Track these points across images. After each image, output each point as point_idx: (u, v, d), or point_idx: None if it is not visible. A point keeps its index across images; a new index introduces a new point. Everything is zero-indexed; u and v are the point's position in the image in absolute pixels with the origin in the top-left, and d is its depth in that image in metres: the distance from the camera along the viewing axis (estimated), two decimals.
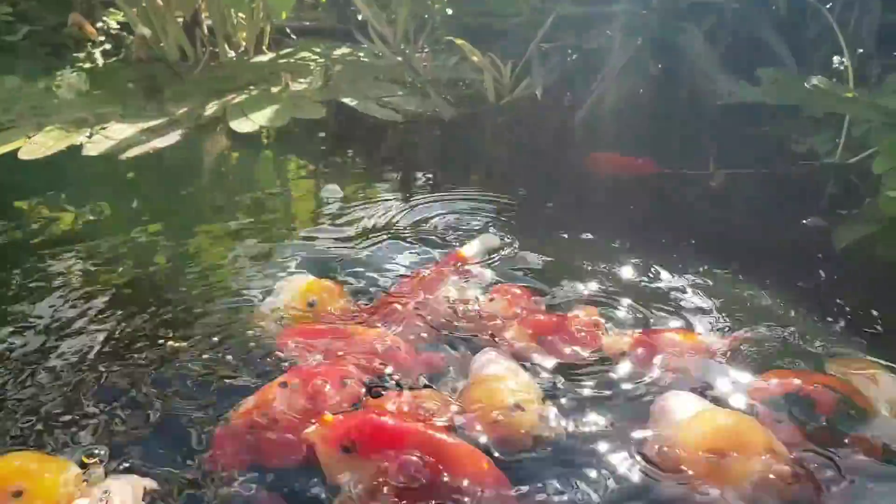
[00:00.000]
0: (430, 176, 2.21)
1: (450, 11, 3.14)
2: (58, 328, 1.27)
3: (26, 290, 1.43)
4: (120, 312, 1.32)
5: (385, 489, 0.83)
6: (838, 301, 1.41)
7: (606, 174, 2.11)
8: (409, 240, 1.64)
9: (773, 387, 1.05)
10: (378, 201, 1.90)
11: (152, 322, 1.29)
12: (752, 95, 2.16)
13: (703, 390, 1.07)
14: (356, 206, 1.87)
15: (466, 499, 0.83)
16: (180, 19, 3.29)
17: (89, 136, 2.35)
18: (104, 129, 2.42)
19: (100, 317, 1.31)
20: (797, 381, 1.05)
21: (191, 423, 1.01)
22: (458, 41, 2.68)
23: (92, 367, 1.15)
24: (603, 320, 1.25)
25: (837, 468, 0.92)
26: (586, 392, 1.08)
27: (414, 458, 0.84)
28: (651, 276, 1.48)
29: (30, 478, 0.86)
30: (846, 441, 0.97)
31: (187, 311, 1.33)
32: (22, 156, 2.18)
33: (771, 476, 0.84)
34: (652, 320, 1.29)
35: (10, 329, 1.28)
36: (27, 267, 1.52)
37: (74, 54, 3.17)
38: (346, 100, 2.77)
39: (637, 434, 0.97)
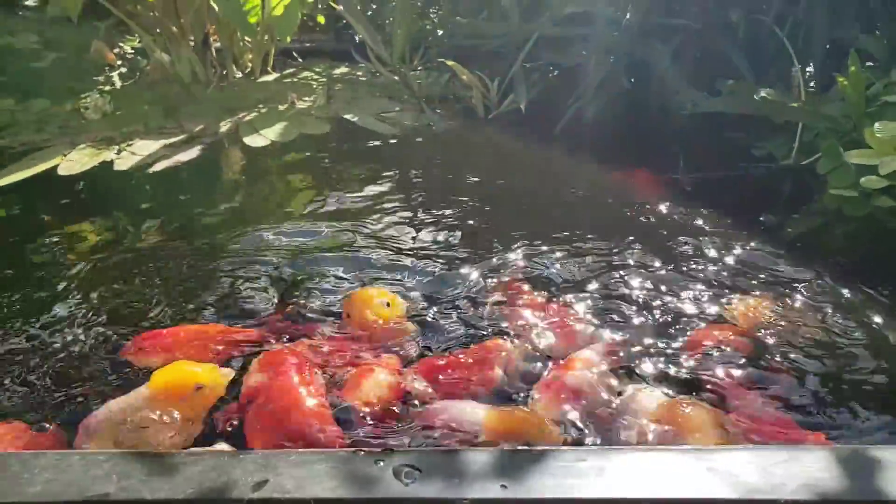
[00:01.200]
0: (423, 185, 2.44)
1: (441, 33, 3.39)
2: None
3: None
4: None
5: None
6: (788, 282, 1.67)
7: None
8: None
9: None
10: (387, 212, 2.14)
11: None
12: (712, 106, 2.41)
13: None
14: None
15: None
16: (192, 43, 3.53)
17: (118, 153, 2.59)
18: (130, 145, 2.66)
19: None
20: None
21: None
22: (449, 62, 2.93)
23: None
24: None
25: None
26: None
27: None
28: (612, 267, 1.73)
29: (202, 376, 1.14)
30: None
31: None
32: (61, 172, 2.41)
33: None
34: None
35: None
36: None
37: (95, 78, 3.41)
38: (347, 116, 3.02)
39: None
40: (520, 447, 0.95)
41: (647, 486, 0.84)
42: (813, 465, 0.87)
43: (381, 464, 0.88)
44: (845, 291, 1.62)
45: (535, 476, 0.85)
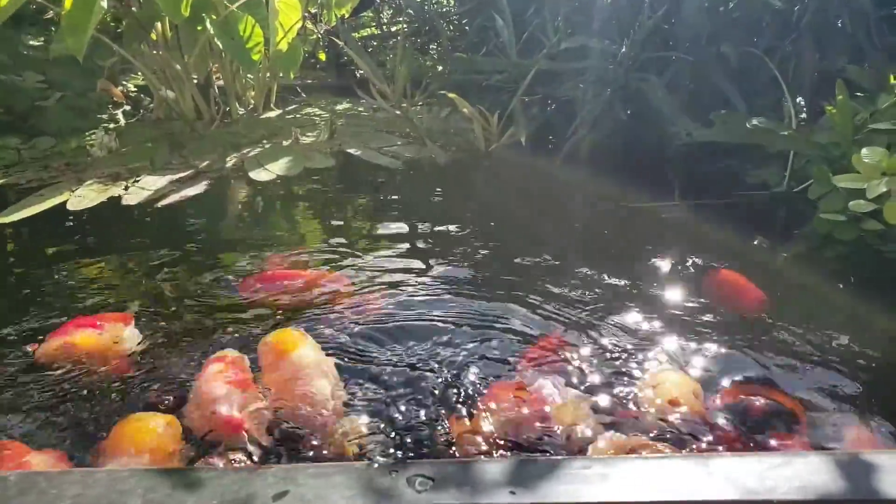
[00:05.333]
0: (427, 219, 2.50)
1: (441, 69, 3.48)
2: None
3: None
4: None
5: None
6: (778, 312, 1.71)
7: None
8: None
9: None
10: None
11: None
12: (705, 136, 2.47)
13: None
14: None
15: None
16: (195, 80, 3.62)
17: (126, 189, 2.64)
18: (138, 181, 2.72)
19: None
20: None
21: None
22: (450, 95, 3.00)
23: None
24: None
25: None
26: None
27: None
28: (611, 294, 1.78)
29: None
30: None
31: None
32: (70, 207, 2.47)
33: None
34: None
35: None
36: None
37: (99, 116, 3.48)
38: (351, 150, 3.09)
39: None
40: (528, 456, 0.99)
41: (650, 489, 0.88)
42: (804, 468, 0.92)
43: (395, 474, 0.91)
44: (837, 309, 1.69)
45: (543, 483, 0.89)
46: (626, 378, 1.36)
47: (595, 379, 1.36)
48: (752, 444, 1.17)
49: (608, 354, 1.45)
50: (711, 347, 1.48)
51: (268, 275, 1.88)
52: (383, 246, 2.12)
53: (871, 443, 1.18)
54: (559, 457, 0.98)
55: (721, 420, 1.23)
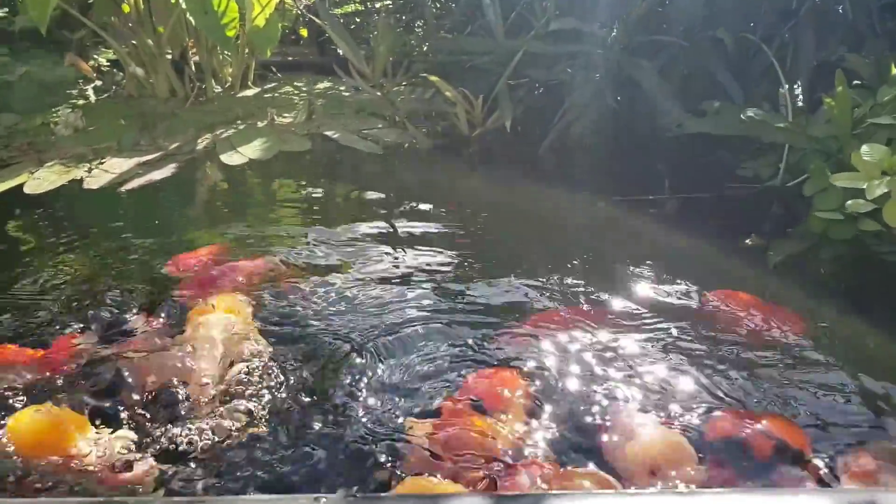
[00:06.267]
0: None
1: (425, 49, 3.34)
2: None
3: None
4: None
5: None
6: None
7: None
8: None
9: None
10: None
11: None
12: (699, 127, 2.36)
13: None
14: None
15: None
16: (169, 57, 3.47)
17: (89, 171, 2.51)
18: (102, 163, 2.59)
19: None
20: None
21: None
22: (433, 77, 2.87)
23: None
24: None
25: None
26: None
27: None
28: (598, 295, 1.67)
29: None
30: None
31: None
32: (27, 190, 2.34)
33: None
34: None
35: None
36: None
37: (67, 91, 3.33)
38: (328, 133, 2.96)
39: None
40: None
41: None
42: None
43: None
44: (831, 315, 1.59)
45: None
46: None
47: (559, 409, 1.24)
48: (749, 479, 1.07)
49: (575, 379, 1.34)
50: (691, 371, 1.36)
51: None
52: (348, 243, 1.98)
53: (875, 474, 1.07)
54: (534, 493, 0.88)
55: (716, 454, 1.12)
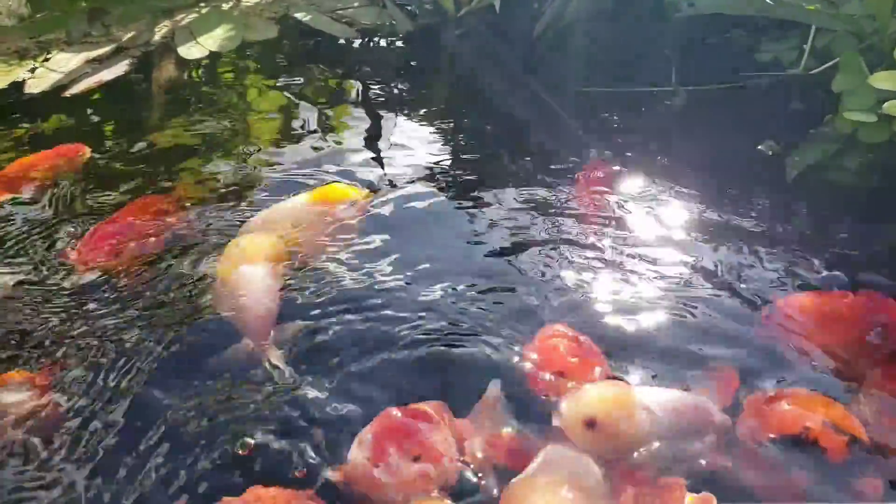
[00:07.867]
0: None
1: None
2: None
3: None
4: None
5: None
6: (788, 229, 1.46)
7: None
8: None
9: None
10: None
11: None
12: (713, 6, 2.06)
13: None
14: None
15: None
16: None
17: (32, 71, 2.26)
18: (47, 60, 2.33)
19: None
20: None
21: None
22: None
23: None
24: None
25: None
26: None
27: None
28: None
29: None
30: None
31: None
32: None
33: None
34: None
35: None
36: None
37: None
38: (298, 15, 2.65)
39: None
40: None
41: None
42: None
43: None
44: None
45: None
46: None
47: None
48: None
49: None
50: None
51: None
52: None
53: None
54: None
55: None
